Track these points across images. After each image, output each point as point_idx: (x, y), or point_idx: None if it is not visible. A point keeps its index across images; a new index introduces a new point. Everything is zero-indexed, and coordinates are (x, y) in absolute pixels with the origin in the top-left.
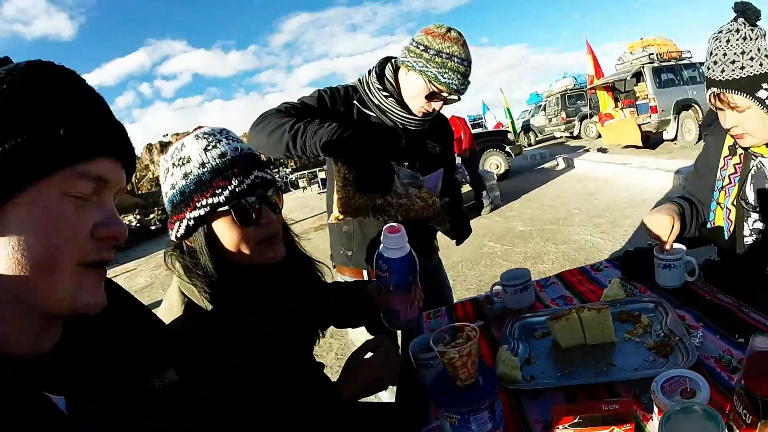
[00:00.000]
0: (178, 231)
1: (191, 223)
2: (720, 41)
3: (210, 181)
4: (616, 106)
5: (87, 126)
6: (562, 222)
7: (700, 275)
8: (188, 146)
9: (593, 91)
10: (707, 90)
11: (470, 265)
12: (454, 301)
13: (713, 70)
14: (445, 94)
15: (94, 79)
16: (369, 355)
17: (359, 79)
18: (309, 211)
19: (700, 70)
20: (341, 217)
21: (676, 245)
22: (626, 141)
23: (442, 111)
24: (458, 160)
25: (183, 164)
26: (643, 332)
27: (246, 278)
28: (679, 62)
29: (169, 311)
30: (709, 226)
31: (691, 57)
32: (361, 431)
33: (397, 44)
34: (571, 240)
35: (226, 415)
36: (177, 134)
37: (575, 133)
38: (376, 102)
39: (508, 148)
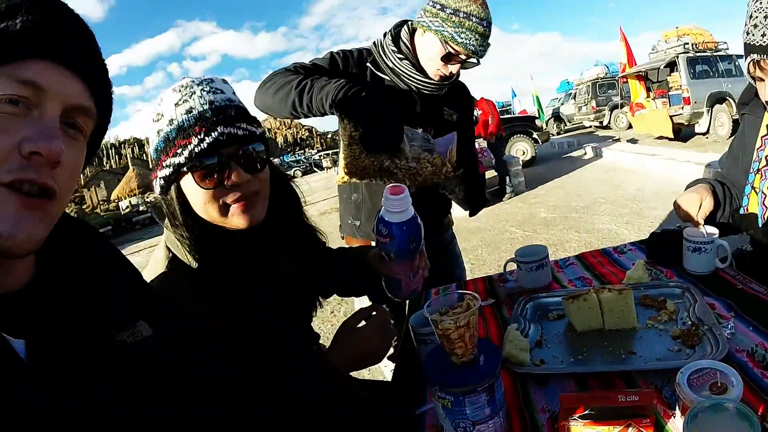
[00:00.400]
0: (156, 187)
1: (162, 182)
2: (761, 2)
3: (174, 140)
4: (648, 96)
5: (19, 23)
6: (586, 210)
7: (731, 263)
8: (165, 100)
9: (625, 79)
10: (746, 58)
11: (490, 250)
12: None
13: (753, 35)
14: (462, 56)
15: (123, 59)
16: (362, 324)
17: (374, 42)
18: (332, 191)
19: (737, 63)
20: (346, 178)
21: (709, 228)
22: (657, 132)
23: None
24: (484, 143)
25: (158, 119)
26: (668, 319)
27: (231, 238)
28: (715, 53)
29: (153, 268)
30: (742, 211)
31: (728, 49)
32: (348, 409)
33: None
34: (594, 229)
35: (200, 379)
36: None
37: (605, 123)
38: (391, 65)
39: (535, 135)
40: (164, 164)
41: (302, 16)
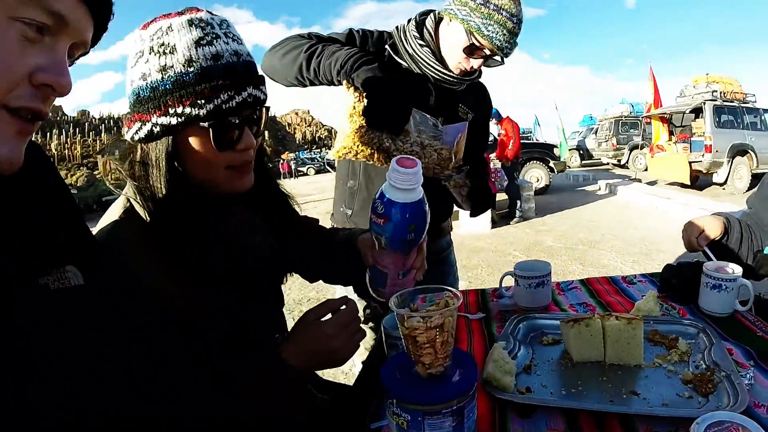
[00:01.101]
0: (136, 132)
1: (156, 129)
2: None
3: (194, 86)
4: (670, 140)
5: None
6: (593, 245)
7: (751, 308)
8: (176, 32)
9: (649, 120)
10: None
11: (490, 271)
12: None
13: None
14: (486, 51)
15: None
16: (326, 318)
17: (396, 27)
18: None
19: (763, 117)
20: (342, 152)
21: (732, 265)
22: (673, 177)
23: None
24: (499, 164)
25: (164, 53)
26: (678, 360)
27: (203, 202)
28: (743, 104)
29: (106, 217)
30: (766, 251)
31: (755, 101)
32: (295, 410)
33: None
34: (599, 264)
35: (134, 343)
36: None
37: (623, 162)
38: (410, 51)
39: (551, 164)
40: (171, 110)
41: (337, 18)
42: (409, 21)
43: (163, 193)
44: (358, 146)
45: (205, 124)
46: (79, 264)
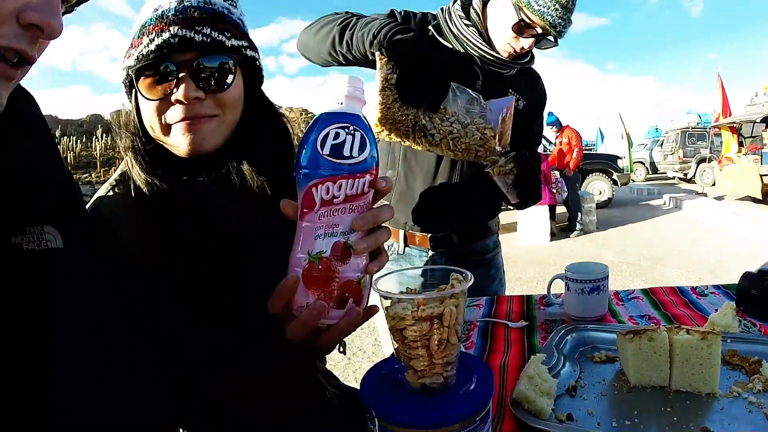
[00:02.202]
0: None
1: (123, 87)
2: None
3: (132, 39)
4: (740, 151)
5: None
6: (657, 261)
7: None
8: (147, 2)
9: (717, 130)
10: None
11: (546, 284)
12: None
13: None
14: (538, 29)
15: None
16: None
17: (441, 8)
18: None
19: None
20: (376, 130)
21: None
22: (744, 190)
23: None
24: (558, 174)
25: (137, 21)
26: (762, 389)
27: (169, 165)
28: None
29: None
30: None
31: None
32: (294, 392)
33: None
34: (663, 281)
35: (107, 314)
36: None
37: (689, 176)
38: (456, 31)
39: (615, 176)
40: (124, 64)
41: None
42: (454, 1)
43: (132, 155)
44: (391, 124)
45: (131, 72)
46: (60, 226)
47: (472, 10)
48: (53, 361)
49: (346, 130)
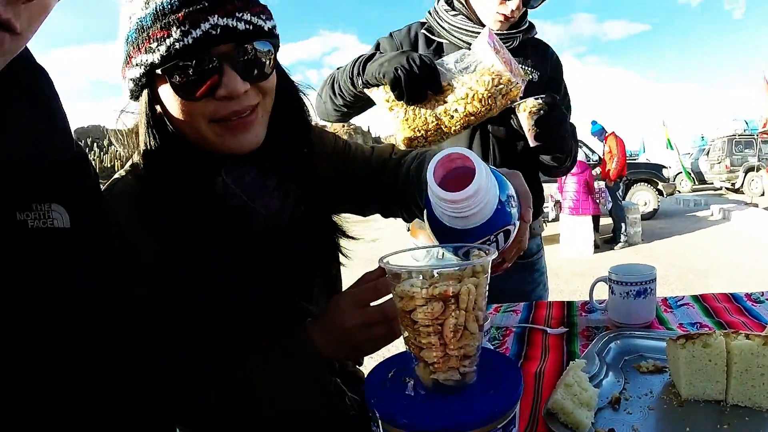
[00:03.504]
0: (125, 90)
1: (131, 85)
2: None
3: (149, 30)
4: None
5: None
6: (705, 274)
7: None
8: None
9: (765, 137)
10: None
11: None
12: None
13: None
14: None
15: None
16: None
17: (428, 11)
18: None
19: None
20: (405, 145)
21: None
22: None
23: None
24: (603, 184)
25: (130, 1)
26: None
27: (208, 168)
28: None
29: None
30: None
31: None
32: (308, 396)
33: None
34: None
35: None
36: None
37: (737, 186)
38: (446, 25)
39: (660, 186)
40: (134, 61)
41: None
42: (438, 0)
43: (149, 154)
44: (420, 135)
45: (159, 71)
46: (68, 205)
47: (454, 1)
48: (50, 343)
49: None
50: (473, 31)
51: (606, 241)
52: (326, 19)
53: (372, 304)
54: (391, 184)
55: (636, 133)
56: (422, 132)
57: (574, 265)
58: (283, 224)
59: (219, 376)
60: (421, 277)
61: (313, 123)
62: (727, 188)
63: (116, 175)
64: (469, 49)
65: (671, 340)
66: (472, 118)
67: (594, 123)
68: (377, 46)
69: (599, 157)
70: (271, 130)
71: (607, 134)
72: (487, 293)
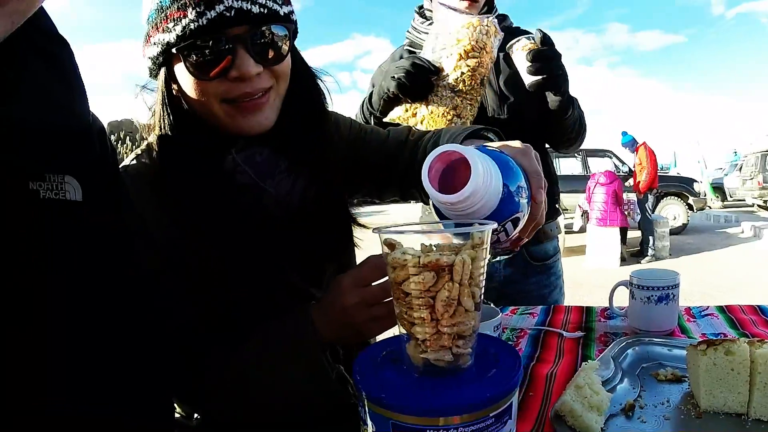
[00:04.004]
0: (145, 68)
1: (149, 63)
2: None
3: (167, 10)
4: None
5: None
6: (732, 292)
7: None
8: None
9: None
10: None
11: None
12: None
13: None
14: None
15: None
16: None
17: (408, 30)
18: None
19: None
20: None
21: None
22: None
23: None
24: (633, 196)
25: None
26: None
27: (220, 147)
28: None
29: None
30: None
31: None
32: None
33: (594, 78)
34: None
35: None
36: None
37: None
38: (424, 36)
39: (690, 200)
40: (152, 40)
41: None
42: (413, 19)
43: (163, 131)
44: (447, 115)
45: (174, 50)
46: (82, 179)
47: (425, 10)
48: (51, 313)
49: None
50: None
51: (633, 254)
52: (359, 23)
53: (374, 284)
54: (408, 165)
55: (668, 147)
56: (452, 113)
57: (599, 276)
58: (293, 207)
59: (216, 355)
60: (414, 245)
61: (329, 109)
62: (759, 205)
63: (131, 155)
64: None
65: (692, 346)
66: (480, 69)
67: (624, 134)
68: (372, 85)
69: (629, 168)
70: (285, 114)
71: (638, 145)
72: (485, 270)
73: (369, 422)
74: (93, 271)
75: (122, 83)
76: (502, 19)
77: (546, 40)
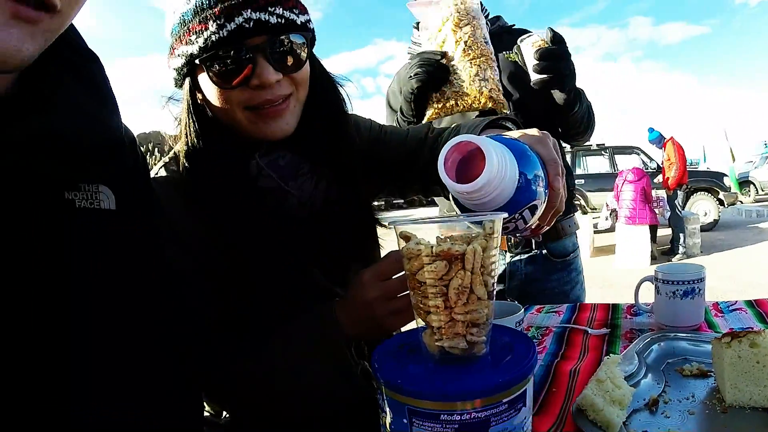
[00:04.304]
0: (170, 78)
1: (174, 74)
2: None
3: (189, 23)
4: None
5: None
6: (766, 289)
7: None
8: None
9: None
10: None
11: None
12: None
13: None
14: None
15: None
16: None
17: (408, 47)
18: None
19: None
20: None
21: None
22: None
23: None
24: (662, 193)
25: None
26: None
27: (243, 152)
28: None
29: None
30: None
31: None
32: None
33: (618, 73)
34: None
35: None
36: None
37: None
38: (423, 49)
39: (721, 195)
40: (176, 52)
41: None
42: (412, 35)
43: (189, 139)
44: (475, 95)
45: (197, 61)
46: (115, 188)
47: (420, 23)
48: (81, 317)
49: None
50: None
51: (663, 253)
52: (381, 28)
53: (394, 277)
54: (429, 161)
55: (696, 141)
56: (477, 79)
57: (628, 277)
58: (316, 207)
59: (243, 351)
60: (429, 238)
61: (349, 112)
62: None
63: (159, 163)
64: None
65: (716, 339)
66: (478, 32)
67: (651, 130)
68: (388, 100)
69: (657, 164)
70: (306, 118)
71: (665, 141)
72: (497, 259)
73: (387, 409)
74: (125, 277)
75: (150, 96)
76: (496, 20)
77: (556, 38)
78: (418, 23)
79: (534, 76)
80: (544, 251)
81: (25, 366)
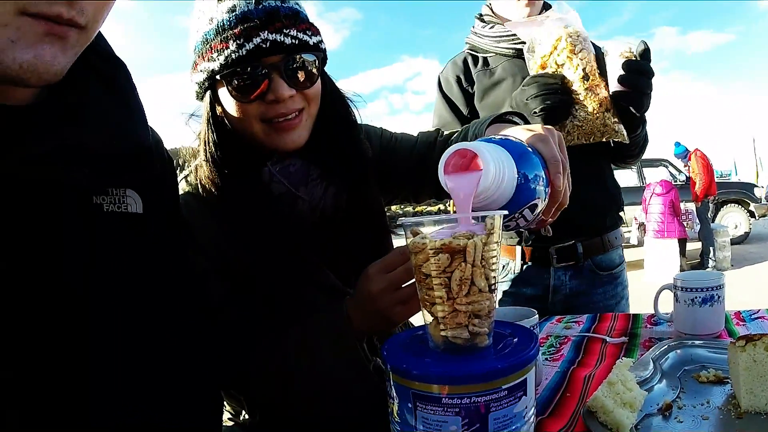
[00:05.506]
0: (192, 92)
1: (196, 87)
2: None
3: (211, 42)
4: None
5: None
6: None
7: None
8: None
9: None
10: None
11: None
12: None
13: None
14: None
15: (351, 85)
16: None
17: (467, 36)
18: None
19: None
20: None
21: None
22: None
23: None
24: (692, 206)
25: (198, 17)
26: None
27: (258, 161)
28: None
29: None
30: None
31: None
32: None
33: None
34: None
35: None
36: None
37: None
38: (486, 40)
39: (752, 207)
40: (199, 68)
41: None
42: (473, 26)
43: (207, 147)
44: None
45: (218, 77)
46: (142, 192)
47: (484, 16)
48: (105, 318)
49: None
50: (509, 35)
51: (693, 267)
52: (408, 45)
53: (398, 268)
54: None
55: (726, 152)
56: (601, 127)
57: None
58: (327, 211)
59: (260, 348)
60: (423, 236)
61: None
62: None
63: (181, 175)
64: (514, 54)
65: (731, 343)
66: (591, 56)
67: (677, 144)
68: (439, 84)
69: (687, 177)
70: (316, 130)
71: (689, 153)
72: (498, 253)
73: (394, 395)
74: (150, 278)
75: (175, 113)
76: (546, 6)
77: (646, 54)
78: (480, 14)
79: (612, 85)
80: (591, 264)
81: (46, 365)
